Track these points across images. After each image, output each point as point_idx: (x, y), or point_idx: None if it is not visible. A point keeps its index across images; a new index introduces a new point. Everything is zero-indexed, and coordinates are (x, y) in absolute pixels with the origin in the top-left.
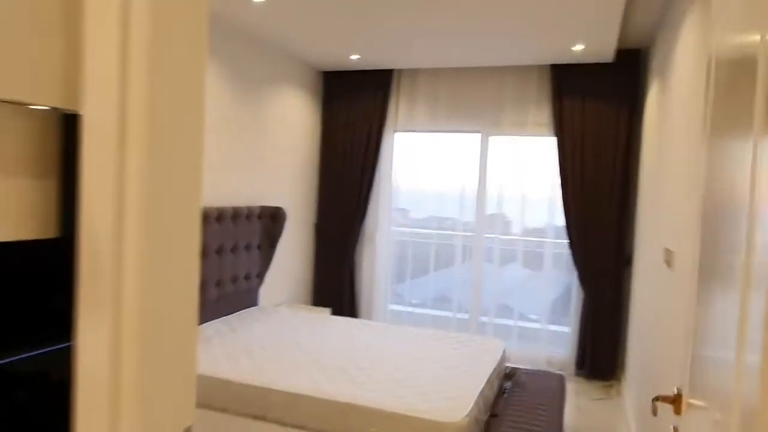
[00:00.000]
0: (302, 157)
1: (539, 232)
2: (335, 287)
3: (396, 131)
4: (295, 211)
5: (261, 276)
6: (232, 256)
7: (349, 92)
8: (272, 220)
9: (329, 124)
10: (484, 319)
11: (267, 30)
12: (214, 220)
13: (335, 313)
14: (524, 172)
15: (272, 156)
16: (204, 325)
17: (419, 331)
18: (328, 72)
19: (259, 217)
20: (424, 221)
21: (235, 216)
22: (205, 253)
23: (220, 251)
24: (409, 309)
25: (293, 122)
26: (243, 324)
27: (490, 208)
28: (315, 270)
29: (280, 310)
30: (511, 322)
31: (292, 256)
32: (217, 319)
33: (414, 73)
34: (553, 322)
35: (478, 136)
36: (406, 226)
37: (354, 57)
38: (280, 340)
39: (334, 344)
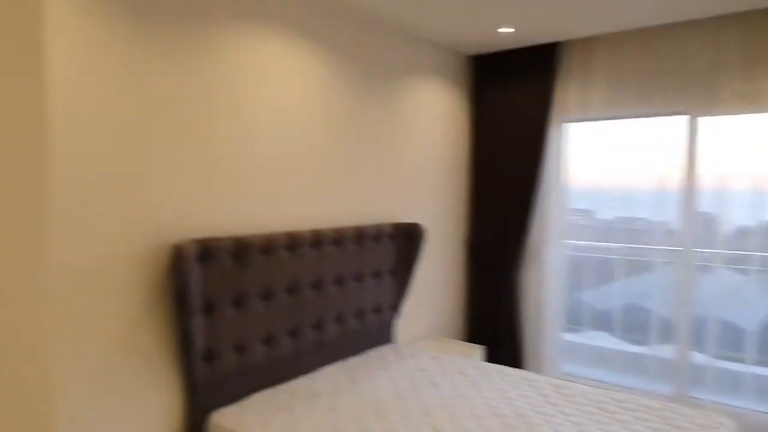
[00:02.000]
0: (446, 160)
1: None
2: (492, 317)
3: (565, 121)
4: (439, 226)
5: (396, 307)
6: (356, 285)
7: (503, 78)
8: (407, 239)
9: (480, 119)
10: (700, 358)
11: (391, 9)
12: (330, 244)
13: (492, 349)
14: (755, 160)
15: (406, 162)
16: (321, 371)
17: (601, 396)
18: (477, 56)
19: (391, 237)
20: (608, 228)
21: (359, 238)
22: (318, 285)
23: (339, 281)
24: (589, 342)
25: (433, 119)
26: (366, 373)
27: (704, 208)
28: (467, 297)
29: (418, 351)
30: (741, 367)
31: (437, 281)
32: (340, 362)
33: (588, 43)
34: None
35: (684, 119)
36: (583, 238)
37: (505, 30)
38: (406, 403)
39: (480, 413)
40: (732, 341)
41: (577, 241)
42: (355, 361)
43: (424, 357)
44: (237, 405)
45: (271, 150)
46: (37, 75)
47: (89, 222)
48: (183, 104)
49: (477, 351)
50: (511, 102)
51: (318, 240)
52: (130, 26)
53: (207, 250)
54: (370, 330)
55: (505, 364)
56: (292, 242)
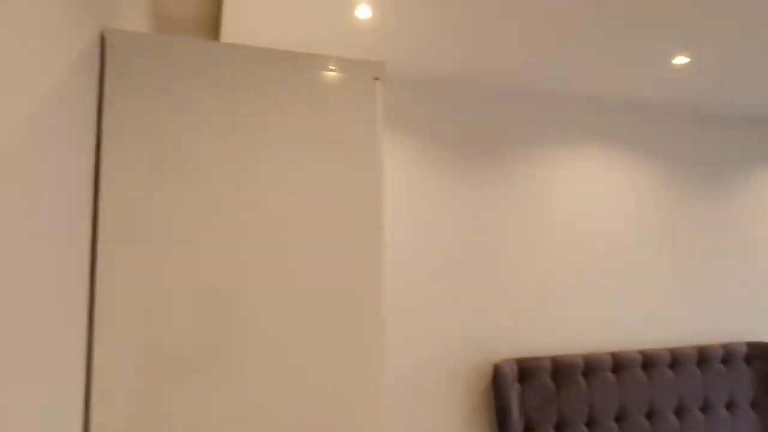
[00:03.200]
0: None
1: None
2: None
3: None
4: None
5: None
6: (702, 417)
7: None
8: None
9: None
10: None
11: (722, 98)
12: (665, 367)
13: None
14: None
15: (759, 268)
16: None
17: None
18: None
19: (746, 359)
20: None
21: (703, 360)
22: (654, 414)
23: (680, 411)
24: None
25: None
26: None
27: None
28: None
29: None
30: None
31: None
32: None
33: None
34: None
35: None
36: None
37: None
38: None
39: None
40: None
41: None
42: None
43: None
44: None
45: (588, 266)
46: (377, 215)
47: (416, 344)
48: (495, 229)
49: None
50: None
51: (649, 361)
52: (450, 162)
53: (526, 370)
54: None
55: None
56: (618, 363)
